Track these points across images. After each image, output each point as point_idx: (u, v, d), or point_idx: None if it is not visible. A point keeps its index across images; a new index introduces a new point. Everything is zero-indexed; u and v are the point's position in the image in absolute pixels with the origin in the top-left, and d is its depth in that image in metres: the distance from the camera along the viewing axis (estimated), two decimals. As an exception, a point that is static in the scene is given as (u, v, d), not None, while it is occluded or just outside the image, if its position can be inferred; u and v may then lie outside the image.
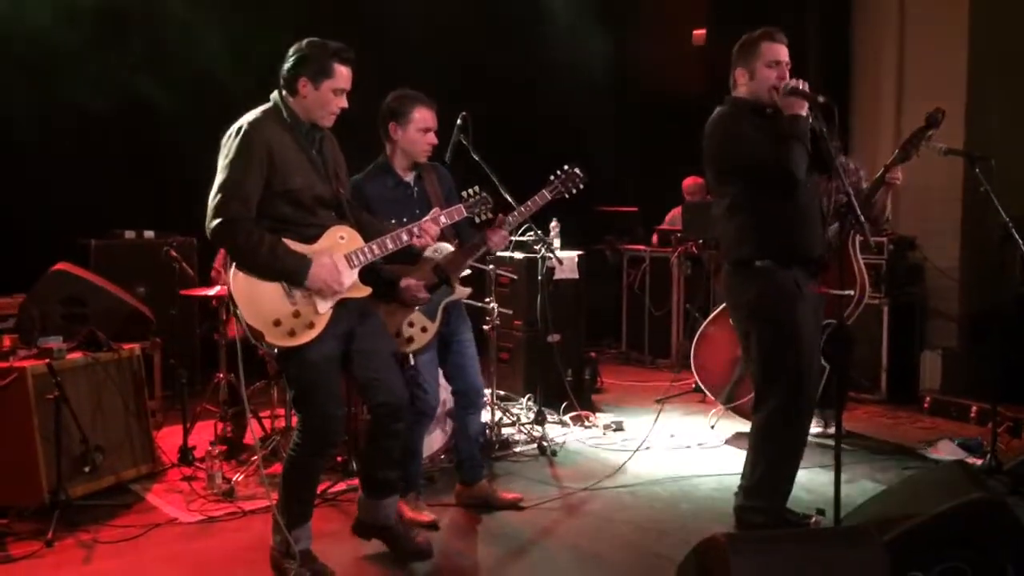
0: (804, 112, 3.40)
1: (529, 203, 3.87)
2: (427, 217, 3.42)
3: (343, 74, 3.18)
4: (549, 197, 3.89)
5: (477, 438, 4.20)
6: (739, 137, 3.50)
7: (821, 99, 3.33)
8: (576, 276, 6.09)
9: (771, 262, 3.50)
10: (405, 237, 3.34)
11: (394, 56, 6.35)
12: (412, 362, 3.79)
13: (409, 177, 3.91)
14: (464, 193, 3.64)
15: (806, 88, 3.39)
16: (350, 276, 3.24)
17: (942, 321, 6.38)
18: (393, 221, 3.61)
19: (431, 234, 3.39)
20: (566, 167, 3.92)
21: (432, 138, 3.84)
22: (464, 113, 4.14)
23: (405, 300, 3.72)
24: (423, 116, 3.80)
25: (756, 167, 3.45)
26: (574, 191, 3.92)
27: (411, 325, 3.77)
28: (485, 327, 5.12)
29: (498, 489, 4.22)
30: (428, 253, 3.74)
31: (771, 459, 3.55)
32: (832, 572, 2.64)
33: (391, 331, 3.70)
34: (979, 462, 4.50)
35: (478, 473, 4.16)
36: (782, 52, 3.55)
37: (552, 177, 3.91)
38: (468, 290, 3.96)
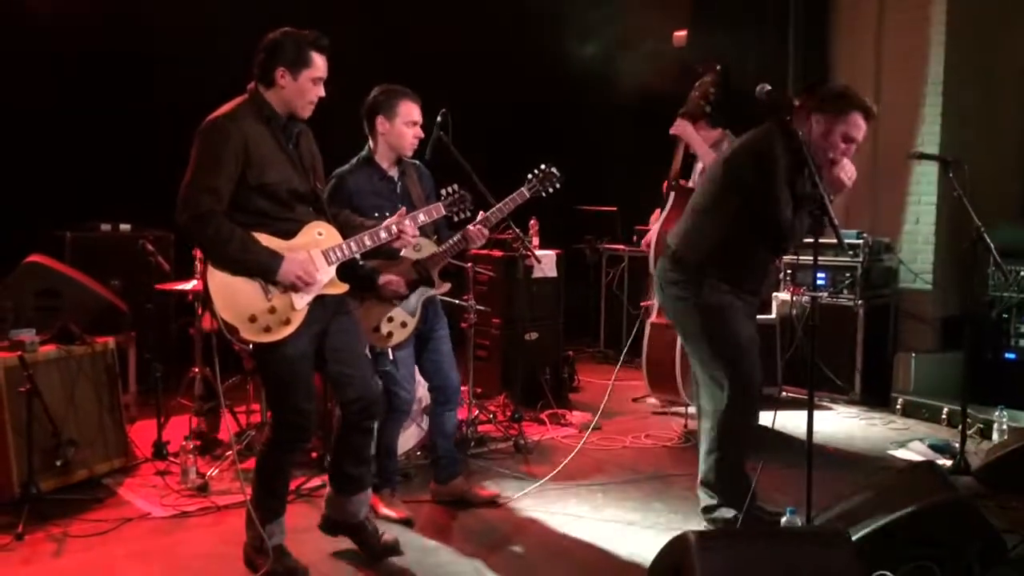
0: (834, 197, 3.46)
1: (508, 201, 3.91)
2: (407, 218, 3.39)
3: (320, 63, 3.18)
4: (528, 195, 3.94)
5: (454, 435, 4.20)
6: (772, 172, 3.39)
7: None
8: (554, 274, 6.11)
9: (718, 281, 3.56)
10: (384, 234, 3.33)
11: (373, 51, 6.34)
12: (391, 357, 3.79)
13: (393, 172, 3.92)
14: (443, 191, 3.65)
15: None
16: (327, 272, 3.23)
17: (916, 324, 6.45)
18: (376, 215, 3.62)
19: (409, 234, 3.38)
20: (543, 166, 3.97)
21: (418, 132, 3.87)
22: (444, 110, 4.14)
23: (385, 295, 3.73)
24: (409, 110, 3.83)
25: (763, 208, 3.43)
26: (551, 190, 3.97)
27: (390, 320, 3.78)
28: (463, 324, 5.14)
29: (474, 486, 4.22)
30: (408, 250, 3.76)
31: (725, 456, 3.61)
32: (802, 570, 2.66)
33: (370, 326, 3.70)
34: (949, 463, 4.56)
35: (454, 471, 4.16)
36: (861, 132, 3.46)
37: (530, 176, 3.96)
38: (447, 286, 3.98)
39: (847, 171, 3.46)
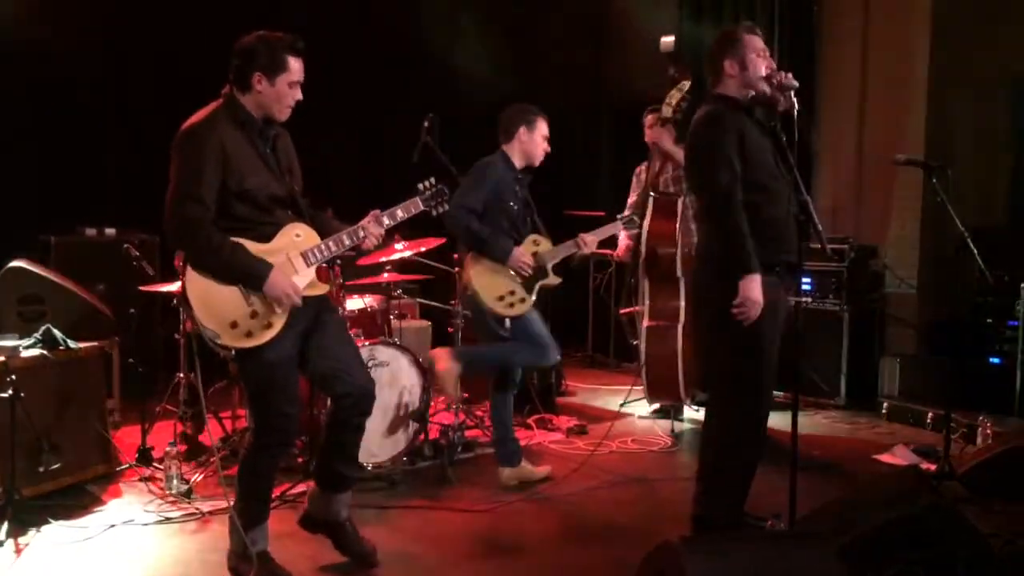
0: (790, 107, 3.40)
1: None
2: (368, 217, 3.37)
3: (297, 67, 3.16)
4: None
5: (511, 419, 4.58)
6: (720, 148, 3.43)
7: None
8: (542, 279, 6.10)
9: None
10: (361, 233, 3.33)
11: (377, 61, 6.34)
12: (507, 325, 4.32)
13: (521, 174, 4.59)
14: (420, 185, 3.61)
15: (790, 80, 3.42)
16: (308, 274, 3.22)
17: (901, 328, 6.48)
18: (512, 204, 4.40)
19: (375, 234, 3.35)
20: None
21: (547, 146, 4.55)
22: (431, 115, 4.16)
23: (511, 266, 4.35)
24: (544, 126, 4.54)
25: (708, 183, 3.45)
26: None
27: (512, 293, 4.37)
28: (449, 329, 5.13)
29: (529, 465, 4.56)
30: (527, 243, 4.47)
31: (726, 464, 3.58)
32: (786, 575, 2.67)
33: (495, 293, 4.31)
34: (933, 467, 4.58)
35: (517, 455, 4.51)
36: (762, 44, 3.61)
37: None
38: (559, 280, 4.57)
39: (785, 76, 3.46)
